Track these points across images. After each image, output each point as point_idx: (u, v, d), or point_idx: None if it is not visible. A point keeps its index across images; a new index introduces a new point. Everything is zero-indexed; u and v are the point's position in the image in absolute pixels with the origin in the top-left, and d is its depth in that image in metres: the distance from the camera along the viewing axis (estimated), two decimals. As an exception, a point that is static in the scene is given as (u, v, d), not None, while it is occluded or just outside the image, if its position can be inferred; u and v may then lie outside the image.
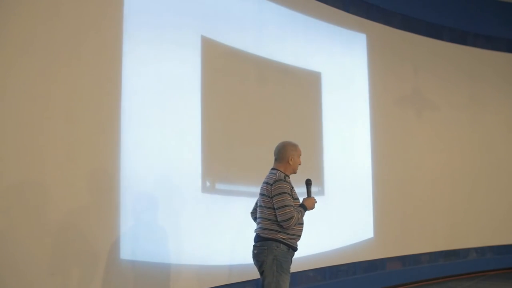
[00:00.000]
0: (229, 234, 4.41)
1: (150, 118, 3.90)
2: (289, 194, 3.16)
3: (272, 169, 3.32)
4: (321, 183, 5.56)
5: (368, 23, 6.41)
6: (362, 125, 6.19)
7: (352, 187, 5.93)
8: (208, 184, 4.35)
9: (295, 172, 3.37)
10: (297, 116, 5.37)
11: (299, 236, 3.27)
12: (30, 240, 3.12)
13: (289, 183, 3.24)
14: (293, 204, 3.16)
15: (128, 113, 3.72)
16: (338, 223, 5.63)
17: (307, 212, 3.27)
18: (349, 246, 5.77)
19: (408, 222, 6.53)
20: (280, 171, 3.27)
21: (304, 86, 5.53)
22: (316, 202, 3.35)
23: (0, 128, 3.05)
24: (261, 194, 3.27)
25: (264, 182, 3.27)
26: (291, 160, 3.31)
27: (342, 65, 6.00)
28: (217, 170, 4.41)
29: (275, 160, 3.35)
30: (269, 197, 3.17)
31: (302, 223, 3.27)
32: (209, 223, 4.28)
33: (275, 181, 3.18)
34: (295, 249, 3.26)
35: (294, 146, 3.36)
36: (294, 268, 5.07)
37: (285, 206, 3.11)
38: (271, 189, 3.17)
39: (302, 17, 5.54)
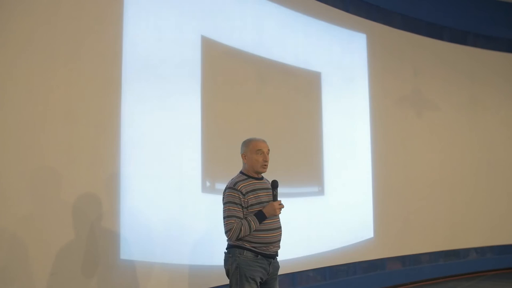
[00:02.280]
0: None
1: (150, 118, 3.90)
2: (234, 203, 2.94)
3: (239, 171, 3.14)
4: (321, 183, 5.57)
5: (368, 23, 6.41)
6: (362, 125, 6.19)
7: (352, 187, 5.93)
8: (208, 184, 4.35)
9: (259, 171, 3.05)
10: (297, 116, 5.37)
11: (270, 243, 3.00)
12: (30, 240, 3.12)
13: (239, 190, 2.96)
14: (237, 214, 2.93)
15: (128, 113, 3.72)
16: (338, 223, 5.63)
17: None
18: (349, 246, 5.77)
19: (408, 222, 6.53)
20: (242, 174, 3.07)
21: (304, 86, 5.53)
22: (282, 206, 3.02)
23: (0, 128, 3.05)
24: None
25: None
26: (244, 158, 3.06)
27: (342, 65, 6.00)
28: (217, 170, 4.41)
29: None
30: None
31: (273, 229, 3.01)
32: (209, 223, 4.28)
33: (225, 189, 3.04)
34: (268, 255, 3.01)
35: (247, 142, 3.08)
36: (294, 268, 5.12)
37: (226, 217, 2.96)
38: (222, 196, 3.06)
39: (302, 17, 5.54)
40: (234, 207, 2.96)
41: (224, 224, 2.98)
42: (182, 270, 4.06)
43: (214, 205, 4.31)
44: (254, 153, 3.04)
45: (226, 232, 2.97)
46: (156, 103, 3.96)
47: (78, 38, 3.47)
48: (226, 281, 3.09)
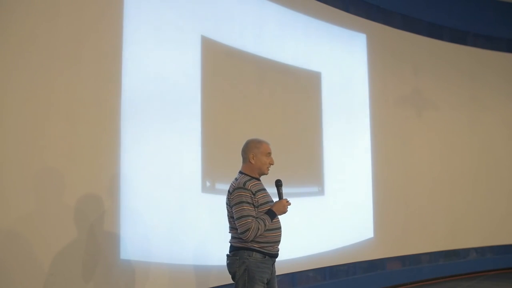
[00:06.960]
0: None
1: (150, 118, 3.90)
2: (248, 202, 2.90)
3: (238, 172, 3.08)
4: (321, 183, 5.57)
5: (368, 23, 6.41)
6: (362, 125, 6.19)
7: (352, 187, 5.93)
8: (208, 184, 4.35)
9: (263, 173, 3.06)
10: (297, 116, 5.37)
11: (275, 242, 3.00)
12: (29, 240, 3.12)
13: (249, 190, 2.93)
14: (252, 213, 2.89)
15: (128, 113, 3.72)
16: (338, 223, 5.63)
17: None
18: (349, 246, 5.77)
19: (408, 222, 6.53)
20: (245, 175, 3.02)
21: (304, 86, 5.53)
22: (289, 204, 3.04)
23: (1, 129, 3.05)
24: (226, 204, 3.06)
25: (228, 191, 3.04)
26: (252, 159, 3.02)
27: (342, 65, 6.00)
28: (217, 170, 4.41)
29: (242, 161, 3.11)
30: (230, 206, 2.98)
31: (278, 228, 3.01)
32: (209, 223, 4.28)
33: (234, 189, 2.95)
34: (273, 255, 3.01)
35: (257, 143, 3.06)
36: (294, 268, 5.12)
37: (241, 217, 2.87)
38: (230, 197, 2.97)
39: (302, 17, 5.54)
40: (248, 207, 2.90)
41: (240, 225, 2.88)
42: (182, 270, 4.06)
43: (214, 205, 4.33)
44: (264, 155, 3.04)
45: (243, 232, 2.87)
46: (156, 103, 3.95)
47: (79, 39, 3.47)
48: (226, 281, 3.09)
